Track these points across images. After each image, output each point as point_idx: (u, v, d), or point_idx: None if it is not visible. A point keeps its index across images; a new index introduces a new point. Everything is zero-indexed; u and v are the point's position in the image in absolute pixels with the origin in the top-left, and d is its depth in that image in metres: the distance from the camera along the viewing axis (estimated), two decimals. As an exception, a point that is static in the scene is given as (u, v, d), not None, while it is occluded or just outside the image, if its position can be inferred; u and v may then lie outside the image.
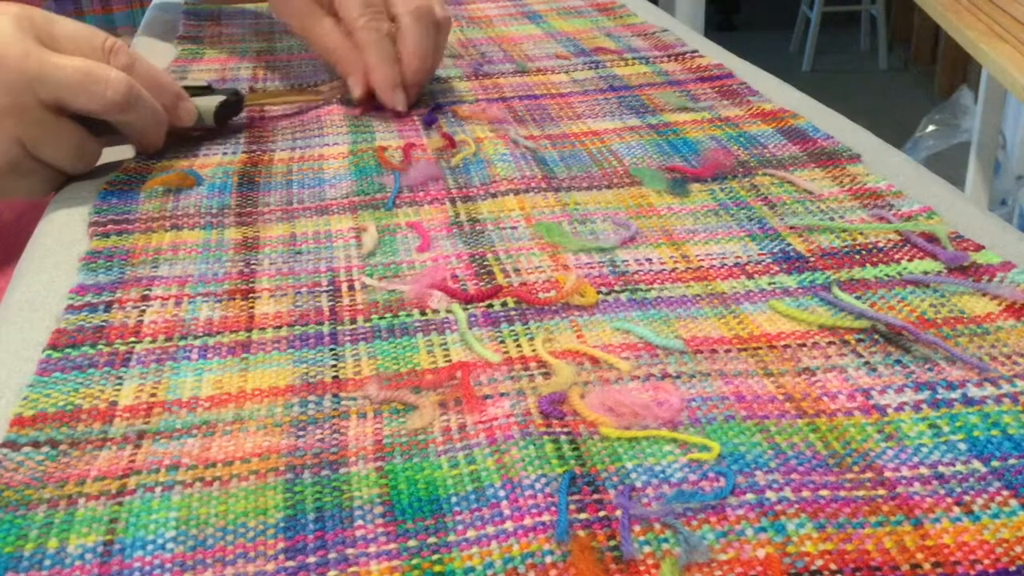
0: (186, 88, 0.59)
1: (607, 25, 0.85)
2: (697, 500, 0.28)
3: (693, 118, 0.60)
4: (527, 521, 0.28)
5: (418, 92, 0.65)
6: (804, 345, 0.36)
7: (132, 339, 0.38)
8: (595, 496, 0.29)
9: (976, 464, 0.29)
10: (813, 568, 0.26)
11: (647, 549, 0.27)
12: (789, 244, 0.44)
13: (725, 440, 0.31)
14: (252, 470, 0.30)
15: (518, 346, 0.37)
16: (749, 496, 0.28)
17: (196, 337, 0.38)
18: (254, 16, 0.90)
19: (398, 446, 0.31)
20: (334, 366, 0.36)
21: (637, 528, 0.27)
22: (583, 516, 0.28)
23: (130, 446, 0.32)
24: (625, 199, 0.50)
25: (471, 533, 0.27)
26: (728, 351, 0.36)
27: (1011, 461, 0.29)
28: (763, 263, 0.42)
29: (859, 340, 0.36)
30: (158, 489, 0.30)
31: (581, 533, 0.27)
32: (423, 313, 0.39)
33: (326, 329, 0.38)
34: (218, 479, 0.30)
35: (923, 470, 0.29)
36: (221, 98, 0.60)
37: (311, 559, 0.27)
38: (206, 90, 0.61)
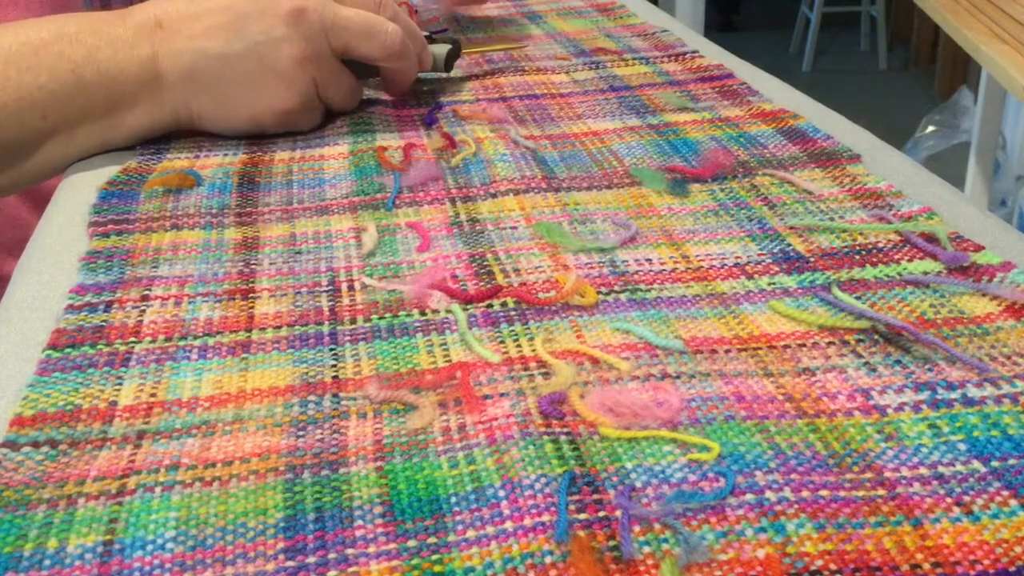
0: None
1: (607, 25, 0.85)
2: (697, 500, 0.28)
3: (693, 118, 0.60)
4: (527, 521, 0.28)
5: None
6: (804, 345, 0.36)
7: (132, 339, 0.38)
8: (595, 496, 0.29)
9: (976, 464, 0.29)
10: (813, 568, 0.26)
11: (647, 549, 0.27)
12: (789, 244, 0.44)
13: (725, 440, 0.31)
14: (252, 470, 0.30)
15: (518, 346, 0.37)
16: (749, 496, 0.28)
17: (196, 337, 0.38)
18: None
19: (398, 446, 0.31)
20: (334, 366, 0.36)
21: (637, 528, 0.27)
22: (583, 516, 0.28)
23: (130, 446, 0.32)
24: (625, 199, 0.50)
25: (471, 533, 0.27)
26: (728, 351, 0.36)
27: (1011, 461, 0.29)
28: (763, 263, 0.42)
29: (859, 340, 0.36)
30: (158, 489, 0.30)
31: (581, 533, 0.27)
32: (423, 313, 0.39)
33: (326, 329, 0.38)
34: (218, 479, 0.30)
35: (923, 470, 0.29)
36: (448, 46, 0.68)
37: (311, 559, 0.27)
38: (427, 39, 0.68)
